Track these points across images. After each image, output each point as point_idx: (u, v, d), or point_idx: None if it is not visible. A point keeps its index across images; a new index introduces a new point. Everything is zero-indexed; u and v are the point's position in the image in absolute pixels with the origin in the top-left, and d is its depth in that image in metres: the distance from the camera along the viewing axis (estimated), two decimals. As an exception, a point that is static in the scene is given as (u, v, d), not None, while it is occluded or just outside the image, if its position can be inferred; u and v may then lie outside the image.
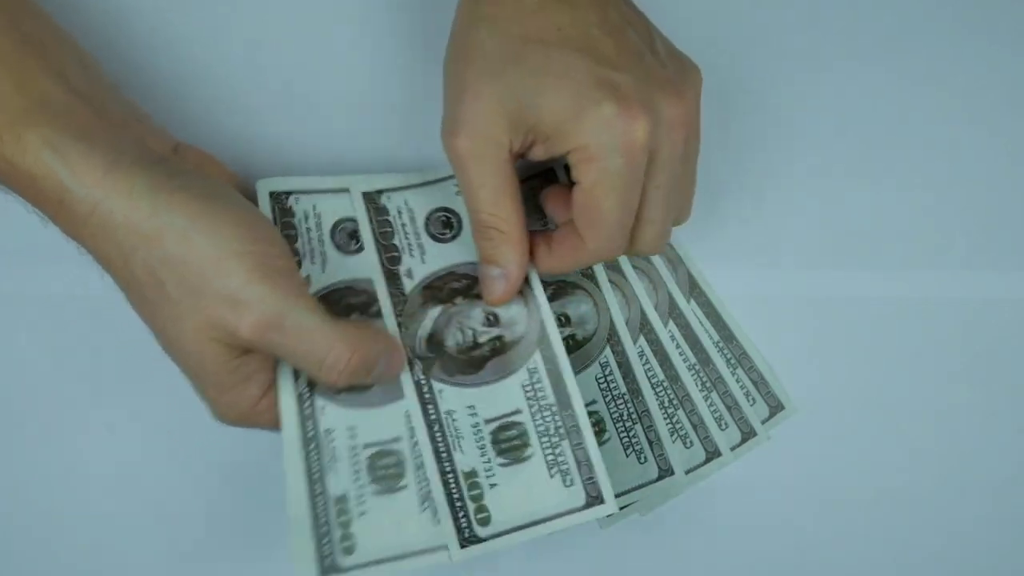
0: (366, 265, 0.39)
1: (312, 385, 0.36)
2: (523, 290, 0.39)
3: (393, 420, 0.37)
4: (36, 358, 0.42)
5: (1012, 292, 0.45)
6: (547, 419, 0.37)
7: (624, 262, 0.44)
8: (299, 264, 0.38)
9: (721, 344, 0.44)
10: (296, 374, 0.36)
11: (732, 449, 0.43)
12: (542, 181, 0.42)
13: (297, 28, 0.43)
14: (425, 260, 0.40)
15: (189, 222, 0.31)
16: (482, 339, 0.38)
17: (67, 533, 0.42)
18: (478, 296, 0.39)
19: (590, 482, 0.36)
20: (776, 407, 0.44)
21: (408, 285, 0.39)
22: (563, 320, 0.41)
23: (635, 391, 0.43)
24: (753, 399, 0.44)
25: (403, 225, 0.40)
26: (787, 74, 0.45)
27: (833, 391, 0.44)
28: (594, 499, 0.36)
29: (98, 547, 0.42)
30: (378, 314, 0.38)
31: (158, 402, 0.42)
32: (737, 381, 0.44)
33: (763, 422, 0.44)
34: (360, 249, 0.39)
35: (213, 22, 0.43)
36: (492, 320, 0.39)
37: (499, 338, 0.38)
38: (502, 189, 0.34)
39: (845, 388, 0.44)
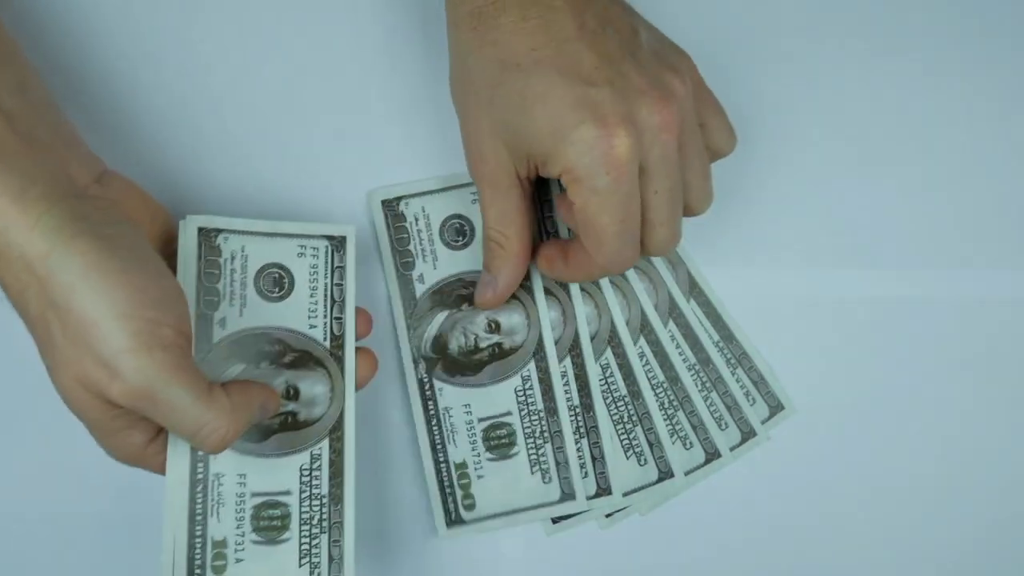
0: (288, 313, 0.38)
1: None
2: (526, 304, 0.41)
3: (287, 472, 0.37)
4: (36, 358, 0.42)
5: (1012, 292, 0.45)
6: (534, 423, 0.41)
7: (624, 262, 0.44)
8: (217, 305, 0.37)
9: (721, 344, 0.44)
10: None
11: (732, 449, 0.43)
12: None
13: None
14: (436, 266, 0.42)
15: (80, 274, 0.30)
16: (483, 344, 0.41)
17: (67, 534, 0.42)
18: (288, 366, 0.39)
19: (565, 480, 0.41)
20: (776, 407, 0.44)
21: (419, 290, 0.41)
22: (492, 326, 0.42)
23: (635, 393, 0.43)
24: (753, 399, 0.44)
25: (419, 232, 0.42)
26: (787, 74, 0.45)
27: (833, 391, 0.44)
28: (567, 495, 0.41)
29: (98, 546, 0.42)
30: (290, 365, 0.37)
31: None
32: (737, 381, 0.44)
33: (763, 422, 0.44)
34: (282, 297, 0.38)
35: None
36: (494, 328, 0.41)
37: (499, 345, 0.41)
38: (508, 211, 0.37)
39: (845, 388, 0.44)
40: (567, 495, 0.41)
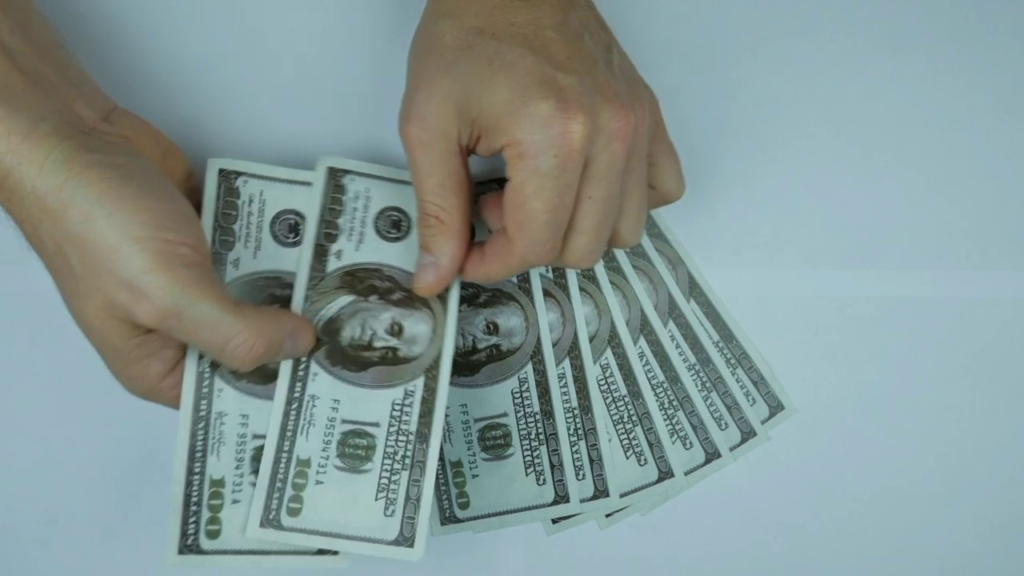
0: (401, 252, 0.39)
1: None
2: (524, 306, 0.41)
3: (378, 405, 0.37)
4: (36, 358, 0.42)
5: (1012, 292, 0.45)
6: (530, 425, 0.41)
7: (624, 262, 0.44)
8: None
9: (721, 344, 0.44)
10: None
11: (732, 449, 0.43)
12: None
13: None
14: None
15: (95, 201, 0.31)
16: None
17: (67, 533, 0.42)
18: (394, 302, 0.39)
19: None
20: (776, 407, 0.44)
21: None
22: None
23: (635, 393, 0.43)
24: (753, 399, 0.44)
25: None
26: (787, 74, 0.45)
27: (833, 391, 0.44)
28: (561, 498, 0.40)
29: (98, 546, 0.43)
30: (398, 303, 0.38)
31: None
32: (737, 381, 0.44)
33: (763, 422, 0.44)
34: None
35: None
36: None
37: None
38: (447, 180, 0.34)
39: (845, 388, 0.44)
40: (561, 497, 0.41)
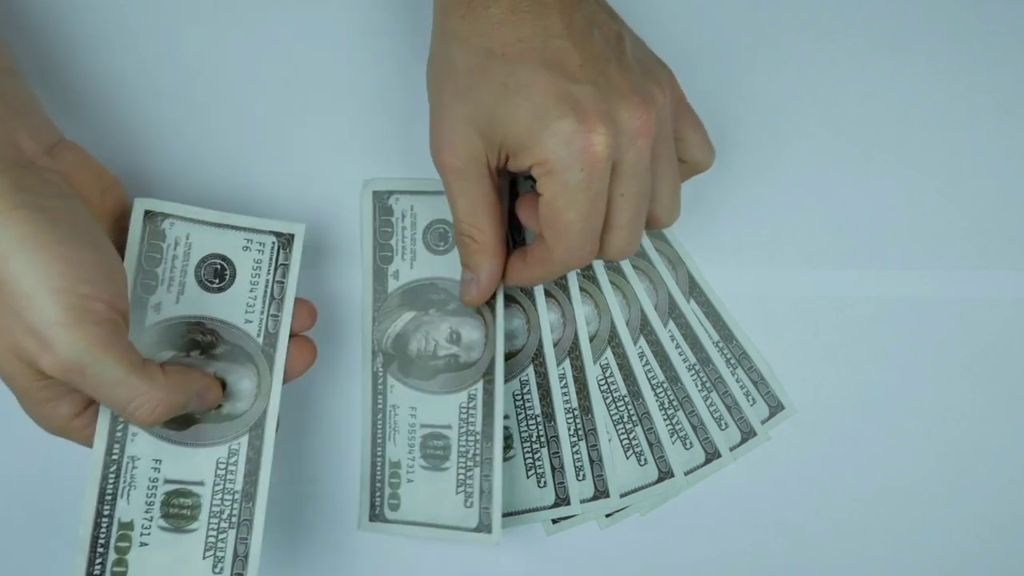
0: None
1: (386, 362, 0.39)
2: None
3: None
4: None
5: (1012, 292, 0.45)
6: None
7: (624, 262, 0.44)
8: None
9: (721, 344, 0.44)
10: None
11: (732, 449, 0.43)
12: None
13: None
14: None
15: (16, 245, 0.30)
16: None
17: (67, 533, 0.42)
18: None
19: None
20: (776, 407, 0.44)
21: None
22: (454, 337, 0.42)
23: (635, 393, 0.43)
24: (753, 399, 0.44)
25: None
26: (787, 74, 0.45)
27: (833, 391, 0.44)
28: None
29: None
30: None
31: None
32: (737, 381, 0.44)
33: (763, 422, 0.44)
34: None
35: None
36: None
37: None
38: (479, 202, 0.36)
39: (845, 388, 0.44)
40: (562, 499, 0.41)
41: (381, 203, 0.42)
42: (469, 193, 0.36)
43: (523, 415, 0.42)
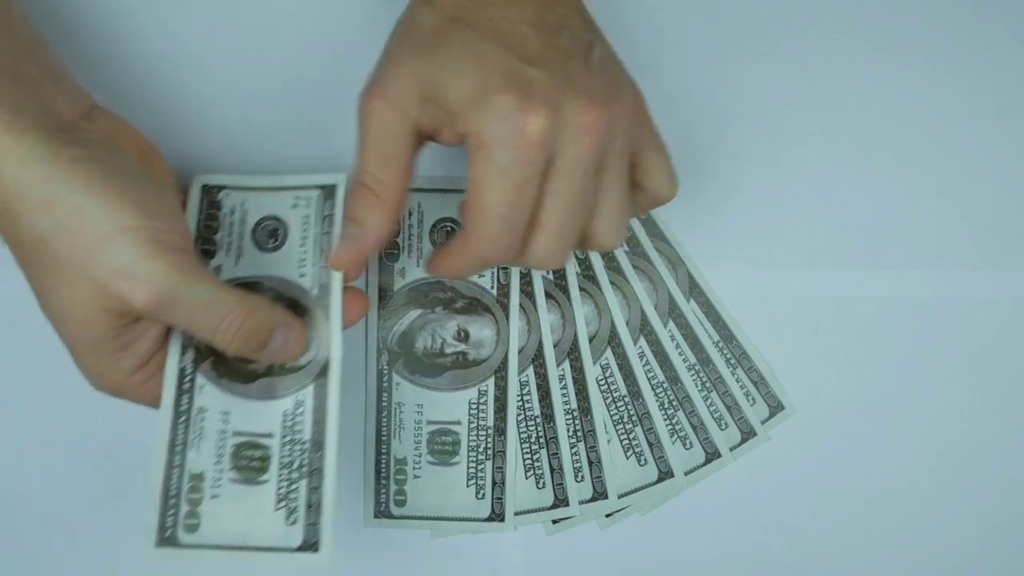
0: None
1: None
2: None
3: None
4: (36, 358, 0.42)
5: (1012, 292, 0.45)
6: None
7: (624, 262, 0.44)
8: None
9: (721, 344, 0.44)
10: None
11: (732, 449, 0.43)
12: None
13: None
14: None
15: (82, 193, 0.31)
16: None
17: (66, 532, 0.42)
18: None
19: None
20: (776, 407, 0.44)
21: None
22: (461, 335, 0.42)
23: (635, 393, 0.43)
24: (753, 399, 0.44)
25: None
26: (787, 74, 0.45)
27: (833, 391, 0.44)
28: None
29: (98, 546, 0.43)
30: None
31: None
32: (737, 381, 0.44)
33: (763, 422, 0.44)
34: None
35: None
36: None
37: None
38: (392, 156, 0.34)
39: (845, 388, 0.44)
40: (560, 501, 0.42)
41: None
42: (385, 145, 0.34)
43: (522, 416, 0.42)
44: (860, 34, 0.45)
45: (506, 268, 0.42)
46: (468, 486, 0.41)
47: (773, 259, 0.44)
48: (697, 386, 0.44)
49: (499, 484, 0.41)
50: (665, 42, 0.45)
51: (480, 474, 0.41)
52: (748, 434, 0.44)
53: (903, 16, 0.45)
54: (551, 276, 0.43)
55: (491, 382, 0.41)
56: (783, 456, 0.44)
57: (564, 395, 0.42)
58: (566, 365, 0.43)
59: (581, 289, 0.43)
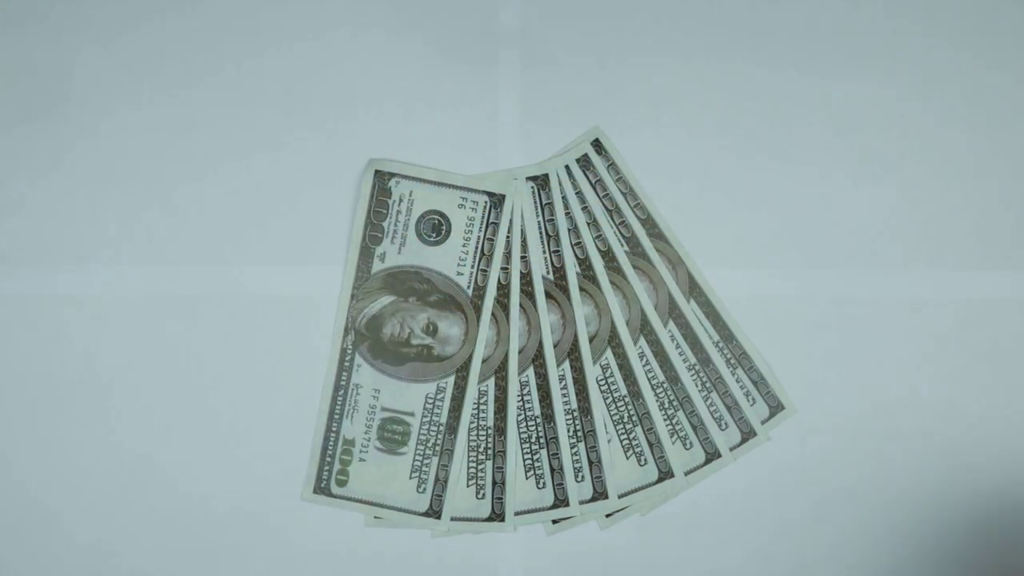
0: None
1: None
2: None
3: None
4: (36, 358, 0.42)
5: (1012, 292, 0.45)
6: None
7: (624, 262, 0.44)
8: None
9: (721, 344, 0.44)
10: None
11: (732, 449, 0.43)
12: None
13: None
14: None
15: None
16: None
17: (67, 533, 0.42)
18: (430, 304, 0.42)
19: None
20: (776, 407, 0.44)
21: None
22: (430, 328, 0.42)
23: (635, 393, 0.43)
24: (753, 399, 0.44)
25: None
26: (787, 75, 0.45)
27: (833, 391, 0.44)
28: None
29: (98, 546, 0.43)
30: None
31: (158, 402, 0.42)
32: (737, 381, 0.44)
33: (763, 422, 0.44)
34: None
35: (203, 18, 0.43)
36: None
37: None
38: None
39: (845, 388, 0.44)
40: (561, 501, 0.42)
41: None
42: None
43: (522, 416, 0.42)
44: (860, 34, 0.45)
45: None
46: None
47: (773, 259, 0.44)
48: (697, 386, 0.44)
49: (499, 484, 0.41)
50: (666, 42, 0.44)
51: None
52: (748, 434, 0.44)
53: (903, 17, 0.45)
54: (551, 276, 0.43)
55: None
56: (783, 456, 0.44)
57: (564, 395, 0.42)
58: (566, 365, 0.43)
59: (581, 289, 0.43)
